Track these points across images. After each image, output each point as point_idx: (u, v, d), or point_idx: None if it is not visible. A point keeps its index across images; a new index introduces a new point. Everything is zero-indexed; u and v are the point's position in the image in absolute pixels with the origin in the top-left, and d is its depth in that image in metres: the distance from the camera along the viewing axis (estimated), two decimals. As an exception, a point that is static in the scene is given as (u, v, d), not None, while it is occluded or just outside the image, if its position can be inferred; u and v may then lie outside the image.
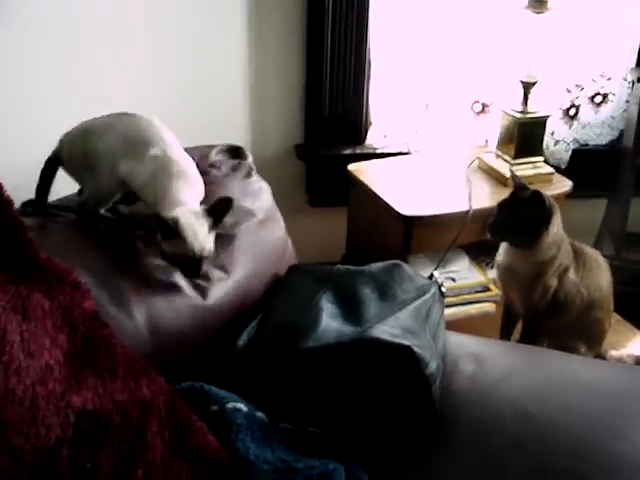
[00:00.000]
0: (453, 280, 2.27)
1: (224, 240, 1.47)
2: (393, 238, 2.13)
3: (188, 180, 1.39)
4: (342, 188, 2.43)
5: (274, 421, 1.26)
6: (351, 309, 1.39)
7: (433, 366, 1.24)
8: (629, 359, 2.07)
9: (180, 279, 1.36)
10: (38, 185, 1.49)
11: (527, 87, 2.26)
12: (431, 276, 1.56)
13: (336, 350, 1.27)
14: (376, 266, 1.52)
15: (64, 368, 0.99)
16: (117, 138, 1.41)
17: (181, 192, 1.35)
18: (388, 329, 1.28)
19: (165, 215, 1.29)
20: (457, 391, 1.33)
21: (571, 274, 1.85)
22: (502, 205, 1.81)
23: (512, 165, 2.26)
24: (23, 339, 0.96)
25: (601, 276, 1.93)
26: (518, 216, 1.77)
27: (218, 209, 1.35)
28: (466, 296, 2.26)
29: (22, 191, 1.38)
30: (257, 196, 1.65)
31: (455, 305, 2.24)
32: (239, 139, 1.84)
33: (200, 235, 1.30)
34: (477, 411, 1.29)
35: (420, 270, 1.94)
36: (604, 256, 2.66)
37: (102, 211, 1.46)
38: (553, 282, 1.82)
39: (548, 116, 2.30)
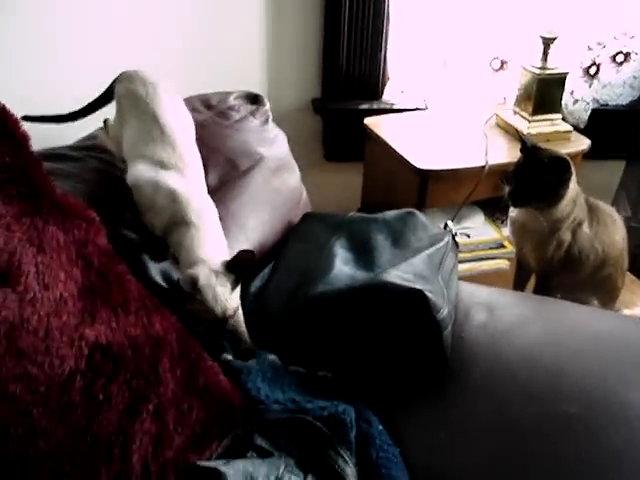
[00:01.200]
0: (468, 236, 2.27)
1: (237, 188, 1.47)
2: (408, 192, 2.12)
3: (207, 226, 1.28)
4: (358, 143, 2.42)
5: (286, 364, 1.27)
6: (364, 255, 1.39)
7: (445, 312, 1.24)
8: (642, 318, 2.07)
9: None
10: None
11: (547, 43, 2.22)
12: (445, 225, 1.55)
13: (348, 294, 1.27)
14: (390, 214, 1.52)
15: (78, 301, 1.00)
16: None
17: (201, 248, 1.24)
18: (400, 274, 1.28)
19: (183, 277, 1.18)
20: (468, 339, 1.33)
21: (585, 228, 1.83)
22: (520, 171, 1.78)
23: (530, 122, 2.24)
24: (38, 270, 0.97)
25: (616, 232, 1.91)
26: (539, 182, 1.74)
27: (240, 263, 1.23)
28: (480, 252, 2.26)
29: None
30: (273, 143, 1.64)
31: (469, 261, 2.24)
32: (256, 92, 1.83)
33: (220, 296, 1.19)
34: (488, 359, 1.29)
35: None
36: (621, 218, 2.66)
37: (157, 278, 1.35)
38: (567, 236, 1.81)
39: (567, 73, 2.26)
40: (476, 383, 1.25)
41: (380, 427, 1.19)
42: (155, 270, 1.32)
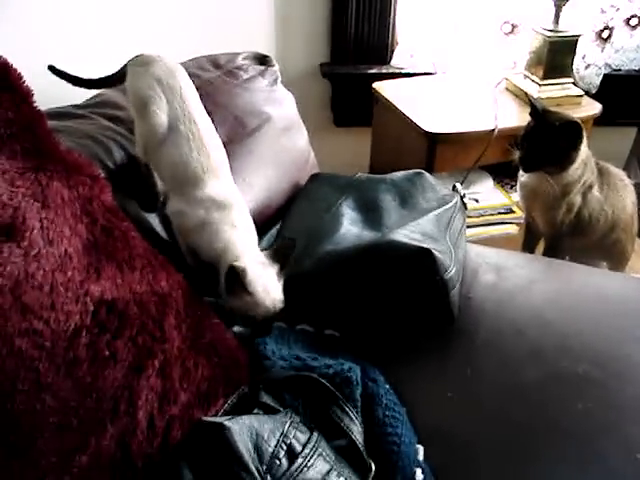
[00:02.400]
0: (476, 201, 2.26)
1: (245, 146, 1.46)
2: (417, 156, 2.11)
3: (245, 221, 1.25)
4: (367, 108, 2.40)
5: (292, 323, 1.27)
6: (371, 215, 1.39)
7: (452, 271, 1.24)
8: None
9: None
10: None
11: (559, 5, 2.19)
12: (454, 187, 1.54)
13: (355, 253, 1.26)
14: (398, 174, 1.51)
15: (83, 257, 0.99)
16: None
17: (242, 242, 1.21)
18: (408, 233, 1.27)
19: (228, 271, 1.13)
20: (476, 299, 1.33)
21: (595, 191, 1.82)
22: (530, 136, 1.76)
23: (540, 86, 2.22)
24: (43, 226, 0.96)
25: (626, 196, 1.90)
26: (550, 146, 1.72)
27: (283, 250, 1.20)
28: (489, 217, 2.25)
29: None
30: (281, 103, 1.64)
31: (478, 226, 2.23)
32: (265, 54, 1.82)
33: (271, 288, 1.15)
34: (495, 318, 1.29)
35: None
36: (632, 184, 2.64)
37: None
38: (577, 200, 1.79)
39: (579, 36, 2.24)
40: (483, 342, 1.25)
41: (387, 386, 1.18)
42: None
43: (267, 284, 1.15)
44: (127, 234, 1.09)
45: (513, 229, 2.24)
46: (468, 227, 2.14)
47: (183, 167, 1.23)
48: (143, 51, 1.36)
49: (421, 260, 1.22)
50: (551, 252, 1.91)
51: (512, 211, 2.25)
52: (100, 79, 1.40)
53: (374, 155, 2.42)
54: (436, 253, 1.21)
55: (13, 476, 0.85)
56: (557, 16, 2.20)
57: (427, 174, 1.52)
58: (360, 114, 2.48)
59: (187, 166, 1.23)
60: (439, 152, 2.07)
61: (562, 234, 1.86)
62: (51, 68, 1.36)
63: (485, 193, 2.30)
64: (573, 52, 2.26)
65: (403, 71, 2.51)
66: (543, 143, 1.73)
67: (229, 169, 1.29)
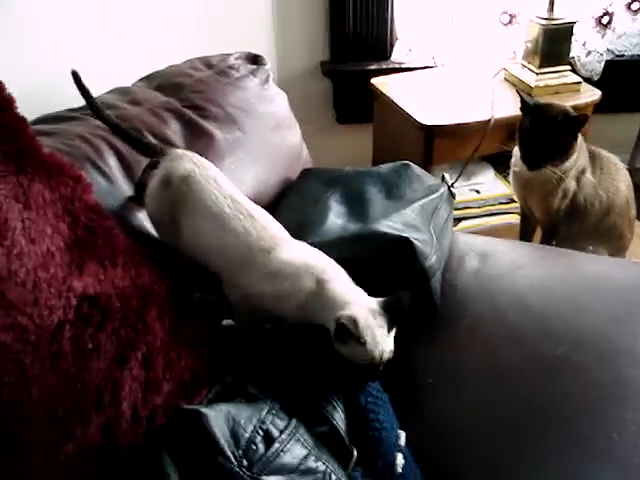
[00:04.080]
0: (477, 192, 2.27)
1: (236, 144, 1.50)
2: (415, 149, 2.13)
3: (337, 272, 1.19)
4: (368, 104, 2.42)
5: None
6: (357, 208, 1.41)
7: (432, 259, 1.26)
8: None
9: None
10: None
11: (554, -8, 2.20)
12: (442, 177, 1.55)
13: (338, 244, 1.29)
14: (385, 167, 1.53)
15: (65, 254, 1.03)
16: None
17: (341, 290, 1.15)
18: (391, 224, 1.30)
19: (341, 315, 1.09)
20: (460, 286, 1.35)
21: (588, 175, 1.82)
22: (529, 133, 1.74)
23: (537, 75, 2.22)
24: (25, 226, 1.00)
25: (620, 180, 1.89)
26: (553, 141, 1.71)
27: (395, 304, 1.13)
28: (490, 207, 2.26)
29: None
30: (272, 101, 1.67)
31: (479, 217, 2.24)
32: (265, 56, 1.84)
33: (380, 338, 1.10)
34: (479, 304, 1.31)
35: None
36: (638, 169, 2.63)
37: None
38: (572, 185, 1.79)
39: (575, 22, 2.23)
40: (466, 328, 1.27)
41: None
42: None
43: (376, 334, 1.10)
44: (110, 231, 1.12)
45: (515, 218, 2.24)
46: (469, 218, 2.16)
47: (246, 246, 1.19)
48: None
49: (401, 249, 1.24)
50: (549, 240, 1.91)
51: (513, 201, 2.25)
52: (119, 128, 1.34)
53: (376, 150, 2.44)
54: (415, 242, 1.24)
55: (2, 466, 0.89)
56: (552, 3, 2.20)
57: (414, 165, 1.54)
58: (362, 111, 2.50)
59: (250, 243, 1.19)
60: (437, 145, 2.09)
61: (559, 221, 1.86)
62: (74, 74, 1.29)
63: (486, 184, 2.31)
64: (569, 39, 2.26)
65: (403, 66, 2.53)
66: (544, 139, 1.71)
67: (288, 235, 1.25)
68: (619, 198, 1.88)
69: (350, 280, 1.18)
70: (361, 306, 1.11)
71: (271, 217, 1.24)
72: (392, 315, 1.11)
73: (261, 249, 1.18)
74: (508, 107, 2.14)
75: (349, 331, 1.08)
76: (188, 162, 1.25)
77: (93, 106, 1.32)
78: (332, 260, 1.20)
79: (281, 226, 1.24)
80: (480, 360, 1.22)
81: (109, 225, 1.13)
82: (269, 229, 1.20)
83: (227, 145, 1.50)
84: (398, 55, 2.54)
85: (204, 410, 0.96)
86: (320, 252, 1.21)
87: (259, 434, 0.98)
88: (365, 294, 1.16)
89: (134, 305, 1.07)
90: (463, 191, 2.27)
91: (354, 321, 1.08)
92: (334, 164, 1.81)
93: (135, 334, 1.05)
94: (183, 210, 1.21)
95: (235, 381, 1.12)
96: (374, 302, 1.13)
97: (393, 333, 1.12)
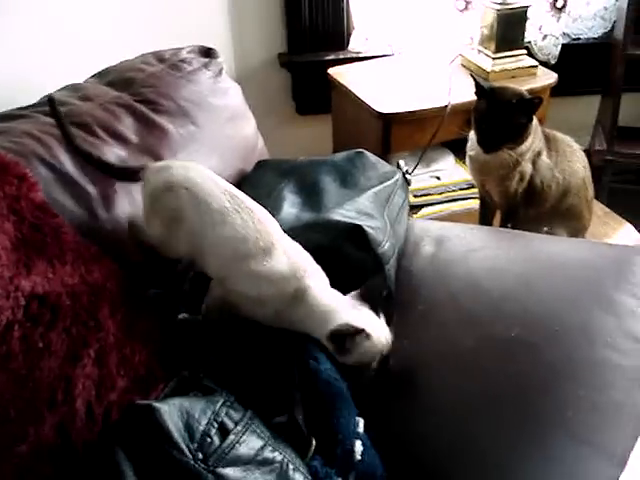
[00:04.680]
0: (438, 178, 2.28)
1: (189, 137, 1.49)
2: (374, 138, 2.13)
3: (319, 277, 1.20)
4: (328, 95, 2.42)
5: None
6: (312, 197, 1.42)
7: (386, 246, 1.26)
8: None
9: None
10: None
11: (506, -22, 2.21)
12: (398, 164, 1.56)
13: (293, 234, 1.28)
14: (339, 155, 1.54)
15: (11, 254, 1.02)
16: None
17: (324, 295, 1.17)
18: (344, 212, 1.30)
19: (332, 329, 1.12)
20: (416, 272, 1.36)
21: (544, 157, 1.82)
22: (486, 116, 1.74)
23: (493, 59, 2.24)
24: (-33, 226, 0.99)
25: (576, 161, 1.90)
26: (509, 124, 1.71)
27: (372, 291, 1.18)
28: (451, 194, 2.26)
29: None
30: (226, 94, 1.66)
31: (440, 203, 2.24)
32: (221, 51, 1.83)
33: (375, 325, 1.14)
34: (433, 289, 1.32)
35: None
36: (597, 151, 2.66)
37: None
38: (528, 168, 1.80)
39: (528, 7, 2.24)
40: (421, 314, 1.28)
41: (328, 364, 1.20)
42: None
43: (370, 322, 1.13)
44: (58, 229, 1.11)
45: (476, 203, 2.24)
46: (430, 205, 2.17)
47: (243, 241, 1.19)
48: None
49: (353, 236, 1.24)
50: (508, 223, 1.92)
51: (474, 186, 2.26)
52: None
53: (336, 140, 2.44)
54: (368, 229, 1.24)
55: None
56: (505, -12, 2.22)
57: (368, 153, 1.54)
58: (321, 101, 2.49)
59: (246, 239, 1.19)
60: (395, 132, 2.09)
61: (517, 204, 1.87)
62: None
63: (447, 170, 2.31)
64: (523, 23, 2.27)
65: (360, 55, 2.52)
66: (500, 122, 1.72)
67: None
68: (576, 179, 1.90)
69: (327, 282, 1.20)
70: (345, 307, 1.14)
71: (266, 212, 1.25)
72: (372, 303, 1.16)
73: (256, 246, 1.18)
74: (465, 93, 2.13)
75: (348, 333, 1.11)
76: (180, 168, 1.27)
77: (66, 134, 1.35)
78: (316, 263, 1.21)
79: (276, 222, 1.25)
80: (435, 345, 1.23)
81: (57, 223, 1.12)
82: (265, 224, 1.21)
83: (180, 139, 1.50)
84: (355, 44, 2.53)
85: (157, 405, 0.96)
86: (309, 255, 1.21)
87: (214, 427, 0.98)
88: (340, 294, 1.18)
89: (85, 303, 1.06)
90: (423, 178, 2.27)
91: (346, 323, 1.10)
92: (295, 155, 1.81)
93: (87, 331, 1.05)
94: (187, 212, 1.22)
95: (191, 375, 1.12)
96: (350, 298, 1.17)
97: (382, 318, 1.16)
